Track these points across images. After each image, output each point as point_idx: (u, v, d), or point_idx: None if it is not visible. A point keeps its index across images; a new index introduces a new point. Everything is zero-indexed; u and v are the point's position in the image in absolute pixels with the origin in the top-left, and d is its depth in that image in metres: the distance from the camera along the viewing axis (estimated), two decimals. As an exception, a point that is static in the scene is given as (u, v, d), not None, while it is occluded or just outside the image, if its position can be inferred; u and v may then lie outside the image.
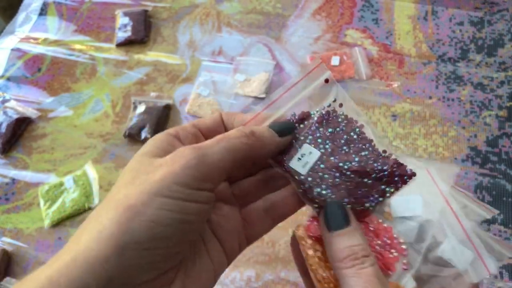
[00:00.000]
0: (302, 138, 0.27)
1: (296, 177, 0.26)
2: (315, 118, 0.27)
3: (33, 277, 0.20)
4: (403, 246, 0.25)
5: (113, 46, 0.80)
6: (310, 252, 0.25)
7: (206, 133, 0.27)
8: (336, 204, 0.24)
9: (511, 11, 0.76)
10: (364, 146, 0.26)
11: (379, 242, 0.25)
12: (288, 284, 0.54)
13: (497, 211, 0.27)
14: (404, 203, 0.26)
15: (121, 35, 0.80)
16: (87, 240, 0.20)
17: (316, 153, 0.26)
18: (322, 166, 0.26)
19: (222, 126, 0.28)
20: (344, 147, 0.26)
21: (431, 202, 0.26)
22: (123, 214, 0.20)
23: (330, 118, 0.27)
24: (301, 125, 0.27)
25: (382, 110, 0.68)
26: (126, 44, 0.80)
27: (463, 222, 0.26)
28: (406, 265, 0.25)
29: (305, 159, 0.26)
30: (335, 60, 0.72)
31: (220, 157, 0.22)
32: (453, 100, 0.68)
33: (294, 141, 0.27)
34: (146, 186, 0.21)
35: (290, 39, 0.77)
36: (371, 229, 0.25)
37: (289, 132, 0.26)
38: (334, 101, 0.28)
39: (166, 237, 0.21)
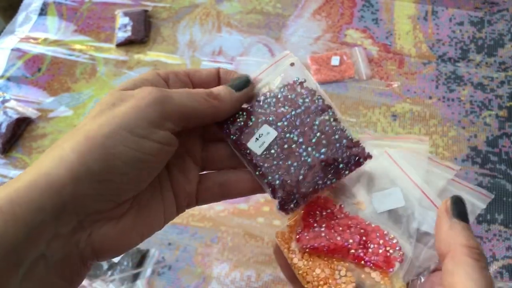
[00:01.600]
0: (262, 117, 0.27)
1: (254, 159, 0.26)
2: (276, 90, 0.28)
3: None
4: (394, 241, 0.25)
5: (113, 46, 0.80)
6: (295, 259, 0.25)
7: (197, 85, 0.27)
8: (461, 199, 0.23)
9: (511, 11, 0.76)
10: (324, 130, 0.26)
11: (374, 245, 0.25)
12: (288, 284, 0.54)
13: (492, 195, 0.27)
14: (385, 197, 0.26)
15: (121, 35, 0.80)
16: (48, 165, 0.20)
17: (273, 133, 0.26)
18: (277, 149, 0.26)
19: (216, 82, 0.28)
20: (305, 129, 0.26)
21: (408, 194, 0.26)
22: (83, 144, 0.21)
23: (291, 94, 0.27)
24: (265, 105, 0.28)
25: (382, 110, 0.68)
26: (126, 44, 0.80)
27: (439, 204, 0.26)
28: (400, 258, 0.25)
29: (262, 139, 0.26)
30: (335, 60, 0.72)
31: (183, 102, 0.24)
32: (453, 100, 0.68)
33: (254, 119, 0.27)
34: (109, 119, 0.21)
35: (290, 39, 0.78)
36: (362, 231, 0.25)
37: (245, 85, 0.27)
38: (297, 80, 0.28)
39: (121, 172, 0.21)
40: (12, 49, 0.82)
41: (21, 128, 0.71)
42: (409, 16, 0.78)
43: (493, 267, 0.54)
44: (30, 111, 0.73)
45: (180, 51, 0.78)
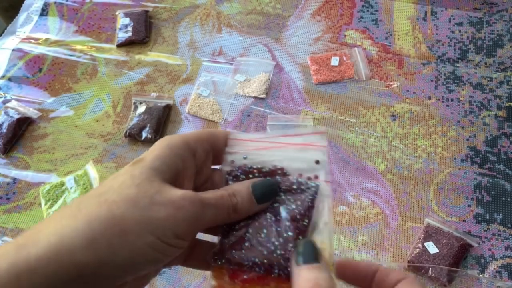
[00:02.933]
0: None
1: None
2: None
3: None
4: None
5: (113, 46, 0.81)
6: None
7: (217, 153, 0.27)
8: (310, 243, 0.23)
9: (510, 11, 0.76)
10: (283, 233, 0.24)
11: None
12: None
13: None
14: None
15: (122, 35, 0.80)
16: (72, 242, 0.20)
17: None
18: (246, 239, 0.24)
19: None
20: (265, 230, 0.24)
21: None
22: (114, 235, 0.21)
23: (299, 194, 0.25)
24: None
25: (381, 110, 0.68)
26: (126, 44, 0.80)
27: None
28: None
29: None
30: (334, 61, 0.73)
31: (212, 219, 0.24)
32: (452, 100, 0.68)
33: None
34: (145, 220, 0.21)
35: (290, 39, 0.78)
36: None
37: (270, 199, 0.25)
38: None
39: (138, 263, 0.22)
40: (13, 50, 0.82)
41: (22, 128, 0.72)
42: (408, 16, 0.78)
43: (492, 267, 0.54)
44: (31, 111, 0.73)
45: (181, 51, 0.79)
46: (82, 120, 0.72)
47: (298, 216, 0.24)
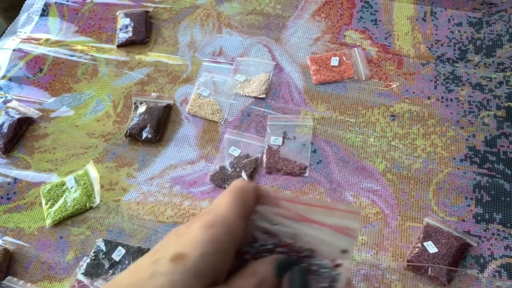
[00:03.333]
0: None
1: None
2: None
3: None
4: None
5: (114, 46, 0.81)
6: None
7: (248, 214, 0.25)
8: (301, 271, 0.23)
9: (510, 12, 0.77)
10: None
11: None
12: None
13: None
14: None
15: (122, 35, 0.80)
16: None
17: None
18: None
19: None
20: None
21: None
22: None
23: None
24: None
25: (381, 110, 0.68)
26: (127, 44, 0.80)
27: None
28: None
29: None
30: (334, 61, 0.73)
31: None
32: (451, 100, 0.68)
33: None
34: None
35: (290, 39, 0.78)
36: None
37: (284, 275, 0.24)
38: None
39: None
40: (14, 50, 0.82)
41: (22, 128, 0.72)
42: (408, 17, 0.78)
43: (492, 266, 0.54)
44: (31, 111, 0.73)
45: (181, 51, 0.79)
46: (83, 120, 0.73)
47: None
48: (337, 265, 0.24)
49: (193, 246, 0.20)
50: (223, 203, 0.23)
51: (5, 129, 0.70)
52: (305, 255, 0.24)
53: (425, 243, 0.54)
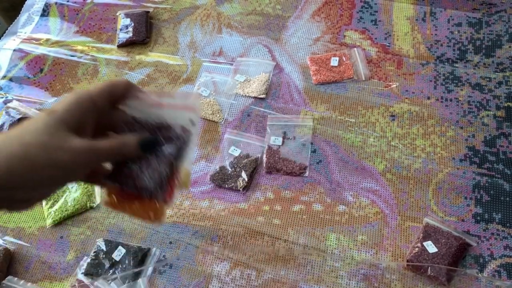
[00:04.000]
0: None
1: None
2: None
3: None
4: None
5: (114, 47, 0.81)
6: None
7: (117, 99, 0.34)
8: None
9: (509, 12, 0.77)
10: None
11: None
12: (287, 282, 0.55)
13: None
14: None
15: (123, 36, 0.81)
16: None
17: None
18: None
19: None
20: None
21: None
22: (27, 169, 0.28)
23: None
24: None
25: (380, 110, 0.68)
26: (127, 45, 0.81)
27: None
28: None
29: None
30: (334, 61, 0.73)
31: (103, 162, 0.34)
32: (451, 100, 0.68)
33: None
34: (51, 162, 0.29)
35: (290, 40, 0.78)
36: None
37: (151, 151, 0.35)
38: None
39: (38, 188, 0.30)
40: (15, 50, 0.82)
41: (23, 128, 0.72)
42: (407, 17, 0.78)
43: (491, 266, 0.54)
44: (32, 111, 0.74)
45: (181, 52, 0.79)
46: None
47: (172, 157, 0.35)
48: (186, 131, 0.35)
49: (62, 104, 0.31)
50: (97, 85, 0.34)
51: (5, 129, 0.70)
52: (165, 126, 0.35)
53: (424, 243, 0.55)
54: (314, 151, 0.65)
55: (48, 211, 0.63)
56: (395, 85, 0.71)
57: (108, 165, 0.36)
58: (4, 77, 0.80)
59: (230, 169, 0.64)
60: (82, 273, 0.57)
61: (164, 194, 0.35)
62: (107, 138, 0.33)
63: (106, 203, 0.36)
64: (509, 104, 0.67)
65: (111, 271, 0.56)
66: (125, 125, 0.35)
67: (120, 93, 0.34)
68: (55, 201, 0.63)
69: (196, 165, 0.66)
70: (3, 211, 0.31)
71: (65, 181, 0.32)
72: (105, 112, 0.34)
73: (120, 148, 0.33)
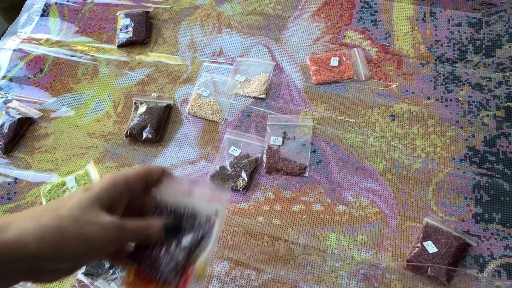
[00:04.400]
0: None
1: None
2: None
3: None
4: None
5: (114, 47, 0.81)
6: None
7: (151, 185, 0.38)
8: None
9: (509, 12, 0.77)
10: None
11: None
12: (287, 282, 0.55)
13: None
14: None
15: (123, 36, 0.81)
16: (25, 239, 0.29)
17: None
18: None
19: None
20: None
21: None
22: (58, 241, 0.30)
23: None
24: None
25: (380, 110, 0.68)
26: (127, 45, 0.81)
27: None
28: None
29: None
30: (334, 61, 0.73)
31: (129, 241, 0.37)
32: (451, 100, 0.68)
33: None
34: (81, 235, 0.31)
35: (290, 40, 0.78)
36: None
37: (174, 235, 0.37)
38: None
39: (65, 260, 0.32)
40: (15, 50, 0.82)
41: (23, 128, 0.72)
42: (407, 17, 0.78)
43: (491, 266, 0.54)
44: (32, 111, 0.74)
45: (181, 52, 0.79)
46: (83, 120, 0.73)
47: (191, 247, 0.36)
48: (210, 219, 0.37)
49: (99, 183, 0.34)
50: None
51: (5, 129, 0.70)
52: (189, 218, 0.37)
53: (424, 243, 0.55)
54: (314, 151, 0.65)
55: (48, 211, 0.63)
56: (395, 85, 0.71)
57: (131, 246, 0.38)
58: (4, 77, 0.80)
59: (230, 169, 0.64)
60: (82, 273, 0.57)
61: (178, 282, 0.36)
62: (136, 218, 0.35)
63: (123, 283, 0.37)
64: (509, 104, 0.67)
65: (111, 271, 0.56)
66: (154, 209, 0.37)
67: (155, 179, 0.37)
68: (55, 201, 0.63)
69: (196, 165, 0.66)
70: (29, 281, 0.33)
71: (93, 255, 0.33)
72: (138, 195, 0.36)
73: (146, 229, 0.35)
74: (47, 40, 0.84)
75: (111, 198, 0.33)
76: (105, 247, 0.32)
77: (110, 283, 0.56)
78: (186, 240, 0.36)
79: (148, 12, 0.84)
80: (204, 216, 0.37)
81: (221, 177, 0.63)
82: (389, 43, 0.76)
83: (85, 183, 0.65)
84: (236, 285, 0.55)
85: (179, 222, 0.37)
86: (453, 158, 0.63)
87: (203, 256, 0.36)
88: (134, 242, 0.37)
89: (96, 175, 0.66)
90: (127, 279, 0.36)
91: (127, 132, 0.69)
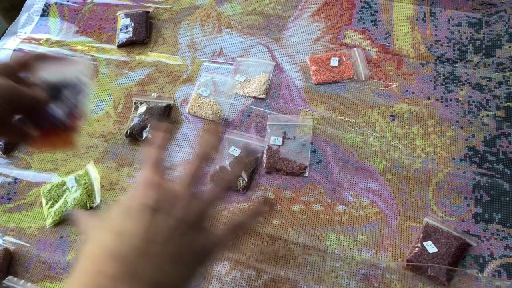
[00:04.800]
0: None
1: None
2: None
3: None
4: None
5: (114, 47, 0.81)
6: None
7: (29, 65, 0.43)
8: None
9: (509, 12, 0.77)
10: None
11: None
12: (287, 282, 0.55)
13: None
14: None
15: (123, 36, 0.81)
16: None
17: None
18: None
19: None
20: None
21: None
22: None
23: None
24: None
25: (380, 110, 0.68)
26: (127, 45, 0.81)
27: None
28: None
29: None
30: (334, 61, 0.73)
31: (23, 101, 0.41)
32: (451, 100, 0.69)
33: None
34: None
35: (290, 40, 0.78)
36: None
37: (56, 95, 0.44)
38: None
39: None
40: (15, 50, 0.82)
41: (23, 128, 0.72)
42: (407, 17, 0.78)
43: (491, 266, 0.54)
44: (32, 111, 0.74)
45: (181, 52, 0.79)
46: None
47: (71, 99, 0.44)
48: (80, 80, 0.45)
49: None
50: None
51: (5, 129, 0.70)
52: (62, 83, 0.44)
53: (424, 243, 0.55)
54: (314, 151, 0.65)
55: (48, 211, 0.63)
56: (395, 85, 0.71)
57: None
58: (4, 77, 0.79)
59: (230, 169, 0.64)
60: None
61: (71, 122, 0.44)
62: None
63: (29, 146, 0.45)
64: (509, 104, 0.67)
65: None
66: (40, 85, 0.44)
67: (32, 67, 0.43)
68: (55, 201, 0.63)
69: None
70: None
71: None
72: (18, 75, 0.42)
73: (33, 92, 0.41)
74: (47, 40, 0.84)
75: (3, 68, 0.40)
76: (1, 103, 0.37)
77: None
78: (67, 95, 0.44)
79: (148, 12, 0.84)
80: (74, 77, 0.45)
81: (221, 177, 0.63)
82: (389, 43, 0.76)
83: (85, 183, 0.65)
84: (236, 285, 0.55)
85: (57, 84, 0.44)
86: (453, 158, 0.63)
87: (82, 104, 0.45)
88: (24, 108, 0.41)
89: (96, 175, 0.66)
90: (34, 141, 0.43)
91: (127, 132, 0.69)
